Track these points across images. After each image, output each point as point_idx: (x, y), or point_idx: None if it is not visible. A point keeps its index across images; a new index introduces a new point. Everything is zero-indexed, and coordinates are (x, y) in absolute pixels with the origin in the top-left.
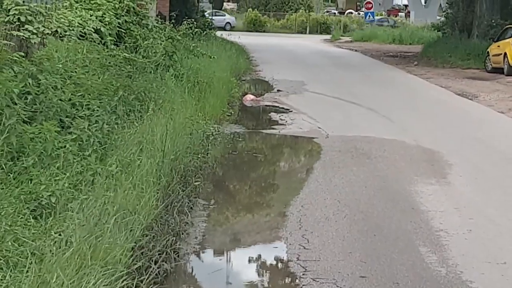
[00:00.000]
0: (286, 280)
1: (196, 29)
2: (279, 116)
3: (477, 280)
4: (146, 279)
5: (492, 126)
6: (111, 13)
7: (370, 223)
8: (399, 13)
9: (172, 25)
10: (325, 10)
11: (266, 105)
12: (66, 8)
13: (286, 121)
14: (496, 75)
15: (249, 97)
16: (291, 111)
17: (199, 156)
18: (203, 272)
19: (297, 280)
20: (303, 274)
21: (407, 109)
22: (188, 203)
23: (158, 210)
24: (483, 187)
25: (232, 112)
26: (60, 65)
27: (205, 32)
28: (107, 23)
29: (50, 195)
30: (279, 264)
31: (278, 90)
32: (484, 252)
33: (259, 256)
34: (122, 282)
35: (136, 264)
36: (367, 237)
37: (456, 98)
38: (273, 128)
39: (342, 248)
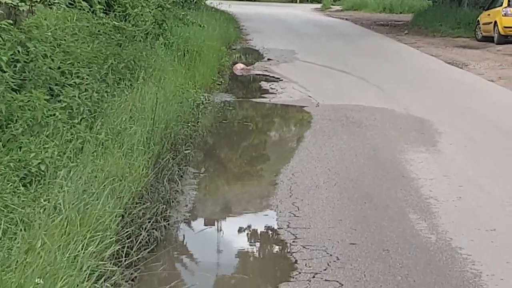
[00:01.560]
0: (277, 247)
1: None
2: (270, 85)
3: (467, 247)
4: (136, 247)
5: (482, 94)
6: None
7: (360, 191)
8: None
9: None
10: None
11: (256, 74)
12: None
13: (277, 90)
14: (486, 44)
15: (239, 66)
16: (282, 80)
17: (190, 124)
18: (194, 240)
19: (287, 247)
20: (293, 242)
21: (398, 78)
22: (178, 171)
23: (148, 178)
24: (473, 155)
25: (223, 81)
26: (49, 33)
27: (195, 1)
28: None
29: (39, 162)
30: (270, 232)
31: (269, 59)
32: (473, 219)
33: (250, 224)
34: (112, 248)
35: (126, 231)
36: (357, 204)
37: (446, 67)
38: (264, 97)
39: (332, 216)
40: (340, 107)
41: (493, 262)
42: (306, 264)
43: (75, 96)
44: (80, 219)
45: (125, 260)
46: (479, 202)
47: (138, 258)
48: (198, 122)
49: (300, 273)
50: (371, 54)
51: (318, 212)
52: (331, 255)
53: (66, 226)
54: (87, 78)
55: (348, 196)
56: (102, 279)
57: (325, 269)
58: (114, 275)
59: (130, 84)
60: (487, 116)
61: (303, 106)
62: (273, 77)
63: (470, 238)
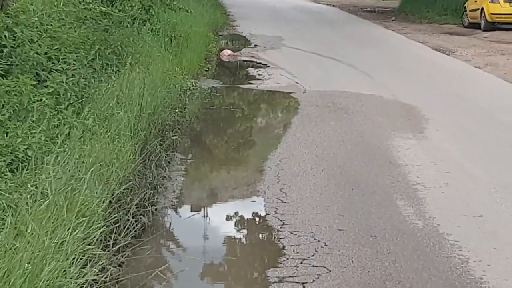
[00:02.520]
0: (264, 233)
1: None
2: (257, 71)
3: (454, 232)
4: (124, 232)
5: (469, 81)
6: None
7: (347, 177)
8: None
9: None
10: None
11: (243, 60)
12: None
13: (264, 76)
14: (473, 31)
15: (227, 52)
16: (269, 66)
17: (177, 110)
18: (181, 226)
19: (275, 234)
20: (281, 228)
21: (385, 65)
22: (165, 157)
23: (136, 163)
24: (460, 142)
25: (210, 67)
26: (36, 18)
27: None
28: None
29: (26, 148)
30: (257, 218)
31: (256, 45)
32: (460, 206)
33: (237, 210)
34: (99, 234)
35: (113, 217)
36: (345, 191)
37: (433, 53)
38: (251, 83)
39: (320, 202)
40: (327, 94)
41: (480, 248)
42: (294, 250)
43: (62, 82)
44: (67, 204)
45: (112, 245)
46: (466, 188)
47: (125, 244)
48: (185, 108)
49: (288, 259)
50: (358, 40)
51: (306, 198)
52: (318, 241)
53: (54, 211)
54: (74, 64)
55: (336, 182)
56: (89, 264)
57: (313, 255)
58: (101, 260)
59: (117, 70)
60: (474, 102)
61: (290, 93)
62: (260, 63)
63: (457, 224)
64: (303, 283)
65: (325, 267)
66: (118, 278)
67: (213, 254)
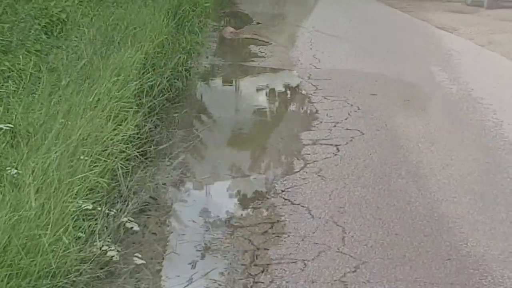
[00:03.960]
0: (298, 98)
1: None
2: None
3: (488, 97)
4: (158, 95)
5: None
6: None
7: (381, 44)
8: None
9: None
10: None
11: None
12: None
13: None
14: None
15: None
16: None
17: None
18: (215, 90)
19: (308, 98)
20: (314, 92)
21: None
22: (198, 23)
23: (169, 28)
24: None
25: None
26: None
27: None
28: None
29: (60, 11)
30: (290, 83)
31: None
32: (494, 71)
33: (271, 75)
34: (133, 94)
35: (147, 78)
36: (378, 56)
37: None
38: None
39: (353, 67)
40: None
41: None
42: (327, 114)
43: None
44: (103, 63)
45: (147, 107)
46: (502, 51)
47: (160, 106)
48: None
49: (321, 122)
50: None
51: (339, 64)
52: (352, 105)
53: (89, 70)
54: None
55: (369, 49)
56: (125, 122)
57: (346, 119)
58: (136, 118)
59: None
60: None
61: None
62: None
63: (492, 88)
64: (336, 145)
65: (358, 130)
66: (153, 136)
67: (246, 117)
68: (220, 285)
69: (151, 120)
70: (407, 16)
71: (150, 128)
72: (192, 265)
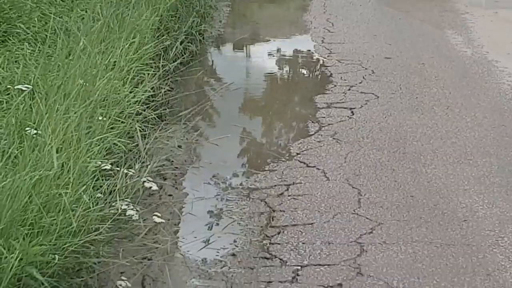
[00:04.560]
0: (312, 62)
1: None
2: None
3: (503, 59)
4: (173, 59)
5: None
6: None
7: (394, 7)
8: None
9: None
10: None
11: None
12: None
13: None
14: None
15: None
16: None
17: None
18: (228, 55)
19: (322, 62)
20: (328, 56)
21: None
22: None
23: None
24: None
25: None
26: None
27: None
28: None
29: None
30: (304, 47)
31: None
32: (509, 33)
33: (284, 40)
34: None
35: (162, 42)
36: (392, 20)
37: None
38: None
39: (367, 31)
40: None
41: None
42: (341, 78)
43: None
44: (119, 26)
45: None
46: None
47: (174, 70)
48: None
49: (335, 86)
50: None
51: (353, 28)
52: (366, 68)
53: (105, 33)
54: None
55: (383, 12)
56: (142, 84)
57: (360, 82)
58: (152, 81)
59: None
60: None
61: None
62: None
63: (507, 51)
64: (351, 109)
65: (373, 94)
66: (168, 99)
67: (260, 81)
68: (236, 246)
69: (166, 83)
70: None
71: (165, 91)
72: (209, 226)
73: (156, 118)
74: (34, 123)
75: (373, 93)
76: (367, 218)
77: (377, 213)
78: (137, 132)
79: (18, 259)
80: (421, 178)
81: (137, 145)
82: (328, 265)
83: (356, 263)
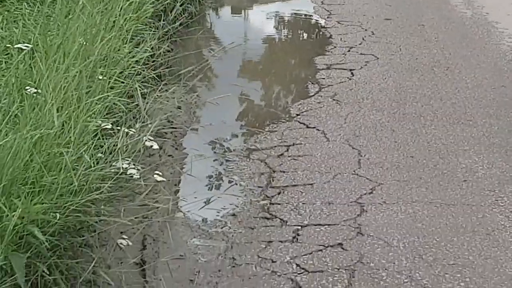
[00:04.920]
0: (311, 23)
1: None
2: None
3: (503, 21)
4: (172, 20)
5: None
6: None
7: None
8: None
9: None
10: None
11: None
12: None
13: None
14: None
15: None
16: None
17: None
18: (228, 16)
19: (322, 23)
20: (328, 17)
21: None
22: None
23: None
24: None
25: None
26: None
27: None
28: None
29: None
30: (304, 9)
31: None
32: None
33: (282, 5)
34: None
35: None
36: None
37: None
38: None
39: None
40: None
41: None
42: (341, 39)
43: None
44: None
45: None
46: None
47: (174, 31)
48: None
49: (335, 47)
50: None
51: None
52: (366, 30)
53: None
54: None
55: None
56: (141, 44)
57: (360, 43)
58: (152, 41)
59: None
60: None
61: None
62: None
63: (507, 12)
64: (351, 70)
65: (372, 55)
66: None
67: (259, 43)
68: (236, 206)
69: (166, 44)
70: None
71: (164, 52)
72: (209, 187)
73: (156, 78)
74: (34, 82)
75: (373, 54)
76: (367, 179)
77: (377, 174)
78: (137, 92)
79: (19, 217)
80: (421, 138)
81: (137, 105)
82: (328, 225)
83: (356, 223)
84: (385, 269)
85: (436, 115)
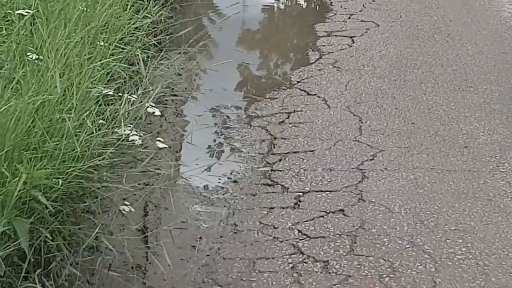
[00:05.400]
0: None
1: None
2: None
3: None
4: None
5: None
6: None
7: None
8: None
9: None
10: None
11: None
12: None
13: None
14: None
15: None
16: None
17: None
18: None
19: None
20: None
21: None
22: None
23: None
24: None
25: None
26: None
27: None
28: None
29: None
30: None
31: None
32: None
33: None
34: None
35: None
36: None
37: None
38: None
39: None
40: None
41: None
42: (341, 6)
43: None
44: None
45: None
46: None
47: None
48: None
49: (335, 14)
50: None
51: None
52: None
53: None
54: None
55: None
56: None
57: (360, 11)
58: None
59: None
60: None
61: None
62: None
63: None
64: (351, 37)
65: (373, 22)
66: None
67: (260, 10)
68: (238, 173)
69: (166, 11)
70: None
71: (164, 19)
72: (210, 154)
73: (156, 45)
74: (35, 49)
75: (373, 22)
76: (368, 145)
77: (378, 140)
78: (138, 57)
79: (22, 182)
80: (422, 105)
81: (138, 72)
82: (330, 191)
83: (358, 189)
84: (387, 234)
85: (437, 81)
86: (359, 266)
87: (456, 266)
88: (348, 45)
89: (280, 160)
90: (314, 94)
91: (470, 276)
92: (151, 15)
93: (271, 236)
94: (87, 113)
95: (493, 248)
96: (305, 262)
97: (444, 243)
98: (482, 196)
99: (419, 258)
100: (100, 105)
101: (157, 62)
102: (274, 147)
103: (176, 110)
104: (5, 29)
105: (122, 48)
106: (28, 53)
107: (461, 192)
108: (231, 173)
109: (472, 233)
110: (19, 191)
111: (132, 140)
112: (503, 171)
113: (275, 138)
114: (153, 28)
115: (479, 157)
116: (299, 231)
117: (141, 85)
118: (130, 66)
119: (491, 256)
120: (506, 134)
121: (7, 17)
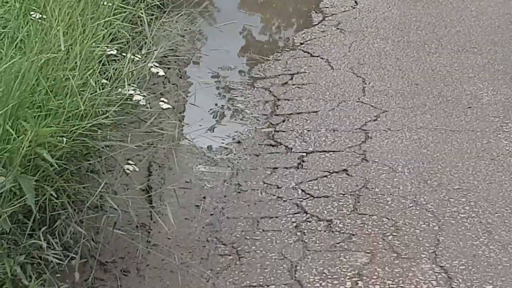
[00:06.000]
0: None
1: None
2: None
3: None
4: None
5: None
6: None
7: None
8: None
9: None
10: None
11: None
12: None
13: None
14: None
15: None
16: None
17: None
18: None
19: None
20: None
21: None
22: None
23: None
24: None
25: None
26: None
27: None
28: None
29: None
30: None
31: None
32: None
33: None
34: None
35: None
36: None
37: None
38: None
39: None
40: None
41: None
42: None
43: None
44: None
45: None
46: None
47: None
48: None
49: None
50: None
51: None
52: None
53: None
54: None
55: None
56: None
57: None
58: None
59: None
60: None
61: None
62: None
63: None
64: None
65: None
66: None
67: None
68: (241, 133)
69: None
70: None
71: None
72: (214, 115)
73: (159, 6)
74: (38, 8)
75: None
76: (371, 106)
77: (381, 101)
78: (143, 18)
79: (28, 140)
80: (425, 66)
81: (141, 32)
82: (333, 151)
83: (361, 149)
84: (390, 194)
85: (441, 43)
86: (362, 225)
87: (459, 224)
88: (351, 6)
89: (283, 121)
90: (318, 56)
91: (473, 234)
92: None
93: (274, 195)
94: (90, 71)
95: (496, 207)
96: (309, 221)
97: (447, 202)
98: (485, 155)
99: (422, 216)
100: (103, 65)
101: (160, 23)
102: (277, 108)
103: (179, 71)
104: None
105: (125, 8)
106: (32, 12)
107: (464, 152)
108: (234, 134)
109: (476, 192)
110: (24, 149)
111: (136, 100)
112: (506, 131)
113: (278, 99)
114: None
115: (483, 117)
116: (302, 190)
117: (144, 45)
118: (134, 26)
119: (494, 214)
120: (510, 94)
121: None
